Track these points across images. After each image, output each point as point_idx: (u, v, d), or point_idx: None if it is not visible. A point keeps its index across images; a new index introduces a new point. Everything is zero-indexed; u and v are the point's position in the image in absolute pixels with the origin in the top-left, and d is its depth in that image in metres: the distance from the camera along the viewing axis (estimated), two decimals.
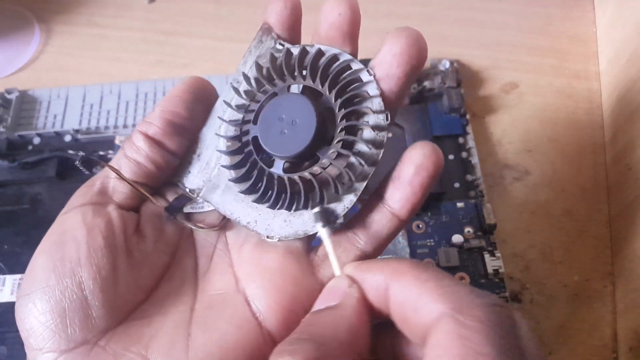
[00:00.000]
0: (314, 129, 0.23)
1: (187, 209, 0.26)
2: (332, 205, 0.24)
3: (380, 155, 0.23)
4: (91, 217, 0.23)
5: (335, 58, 0.24)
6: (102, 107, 0.45)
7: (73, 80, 0.49)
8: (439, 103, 0.44)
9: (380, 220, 0.24)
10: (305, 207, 0.24)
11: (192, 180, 0.26)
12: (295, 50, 0.25)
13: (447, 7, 0.52)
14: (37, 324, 0.22)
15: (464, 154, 0.43)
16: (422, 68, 0.24)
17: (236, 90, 0.25)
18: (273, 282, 0.24)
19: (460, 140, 0.43)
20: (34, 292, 0.22)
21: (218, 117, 0.26)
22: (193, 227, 0.26)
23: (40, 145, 0.44)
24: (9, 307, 0.38)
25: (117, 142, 0.44)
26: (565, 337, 0.37)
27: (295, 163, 0.25)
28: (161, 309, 0.24)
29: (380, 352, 0.21)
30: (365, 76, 0.24)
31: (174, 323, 0.23)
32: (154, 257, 0.25)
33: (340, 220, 0.24)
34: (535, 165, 0.43)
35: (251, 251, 0.25)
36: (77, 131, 0.44)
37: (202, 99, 0.26)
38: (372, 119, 0.23)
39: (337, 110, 0.23)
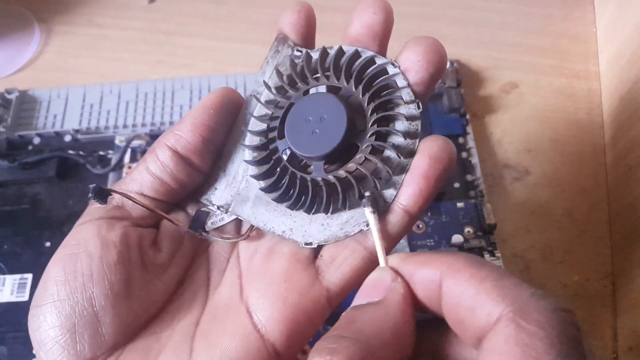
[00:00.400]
0: (345, 121, 0.22)
1: (208, 226, 0.26)
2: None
3: (417, 145, 0.23)
4: (106, 231, 0.23)
5: (357, 54, 0.24)
6: (102, 107, 0.45)
7: (73, 80, 0.49)
8: (439, 103, 0.44)
9: (391, 219, 0.23)
10: (344, 207, 0.23)
11: (220, 196, 0.25)
12: (315, 54, 0.24)
13: (447, 7, 0.52)
14: (47, 338, 0.21)
15: (464, 154, 0.43)
16: (441, 76, 0.24)
17: (258, 100, 0.25)
18: (276, 292, 0.23)
19: (460, 140, 0.43)
20: (45, 304, 0.22)
21: (242, 128, 0.25)
22: (221, 240, 0.25)
23: (40, 145, 0.44)
24: (9, 307, 0.38)
25: (117, 142, 0.44)
26: None
27: (332, 162, 0.24)
28: (171, 323, 0.24)
29: (421, 349, 0.20)
30: (390, 69, 0.23)
31: (180, 337, 0.23)
32: (169, 271, 0.25)
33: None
34: (535, 165, 0.43)
35: (260, 261, 0.25)
36: (77, 131, 0.44)
37: (232, 112, 0.25)
38: (403, 109, 0.23)
39: (365, 104, 0.23)
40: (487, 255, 0.38)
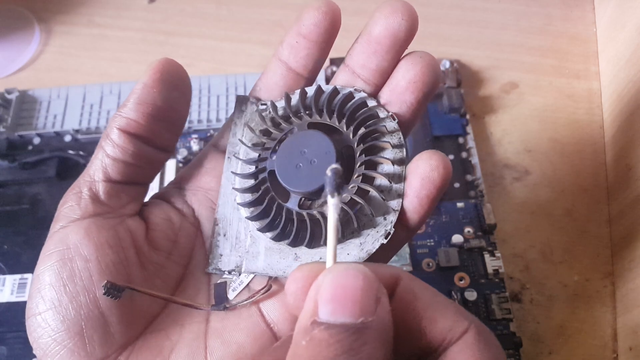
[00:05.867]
0: (335, 158, 0.23)
1: (230, 294, 0.25)
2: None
3: (404, 184, 0.23)
4: (96, 232, 0.22)
5: (351, 96, 0.24)
6: (102, 107, 0.45)
7: (73, 80, 0.49)
8: (439, 103, 0.44)
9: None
10: (351, 233, 0.23)
11: (227, 261, 0.25)
12: (280, 102, 0.25)
13: (447, 7, 0.52)
14: (53, 344, 0.21)
15: (464, 154, 0.43)
16: (435, 93, 0.25)
17: (238, 158, 0.26)
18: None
19: (460, 140, 0.43)
20: (46, 311, 0.21)
21: (233, 188, 0.25)
22: (246, 303, 0.24)
23: (40, 145, 0.44)
24: (9, 307, 0.38)
25: None
26: (565, 337, 0.37)
27: (310, 198, 0.25)
28: (178, 320, 0.24)
29: None
30: (381, 112, 0.24)
31: (192, 335, 0.23)
32: (168, 269, 0.25)
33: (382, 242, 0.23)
34: (535, 165, 0.43)
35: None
36: (77, 131, 0.44)
37: (177, 86, 0.24)
38: (389, 154, 0.24)
39: (355, 145, 0.23)
40: (487, 255, 0.38)
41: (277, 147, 0.25)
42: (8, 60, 0.50)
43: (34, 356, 0.37)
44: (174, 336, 0.23)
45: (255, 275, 0.25)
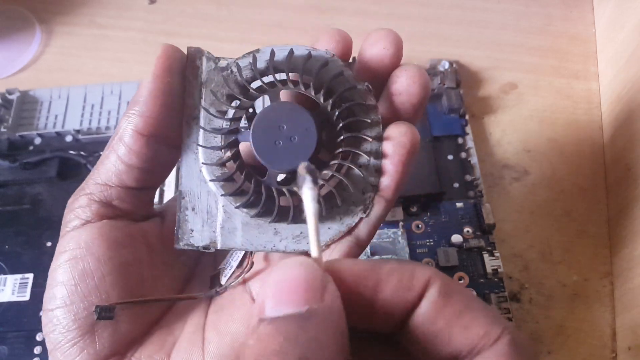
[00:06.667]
0: (315, 138, 0.23)
1: (223, 280, 0.25)
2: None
3: (381, 161, 0.23)
4: (109, 231, 0.23)
5: (326, 63, 0.24)
6: (103, 108, 0.46)
7: (74, 80, 0.49)
8: (438, 103, 0.44)
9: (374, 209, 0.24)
10: (326, 211, 0.23)
11: (199, 236, 0.23)
12: (244, 61, 0.24)
13: (447, 7, 0.52)
14: (63, 340, 0.22)
15: (463, 154, 0.43)
16: (426, 101, 0.25)
17: (200, 127, 0.24)
18: None
19: (460, 140, 0.43)
20: (57, 308, 0.22)
21: (202, 163, 0.24)
22: (235, 283, 0.25)
23: (41, 145, 0.44)
24: (10, 307, 0.38)
25: None
26: (564, 336, 0.37)
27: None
28: (181, 316, 0.25)
29: None
30: (359, 86, 0.24)
31: (192, 328, 0.24)
32: (177, 269, 0.25)
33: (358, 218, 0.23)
34: (535, 166, 0.43)
35: (260, 256, 0.26)
36: (78, 131, 0.44)
37: (180, 71, 0.24)
38: (369, 131, 0.23)
39: (334, 119, 0.23)
40: (486, 255, 0.38)
41: (246, 116, 0.24)
42: (9, 60, 0.50)
43: (35, 355, 0.37)
44: (176, 331, 0.24)
45: (242, 259, 0.25)
